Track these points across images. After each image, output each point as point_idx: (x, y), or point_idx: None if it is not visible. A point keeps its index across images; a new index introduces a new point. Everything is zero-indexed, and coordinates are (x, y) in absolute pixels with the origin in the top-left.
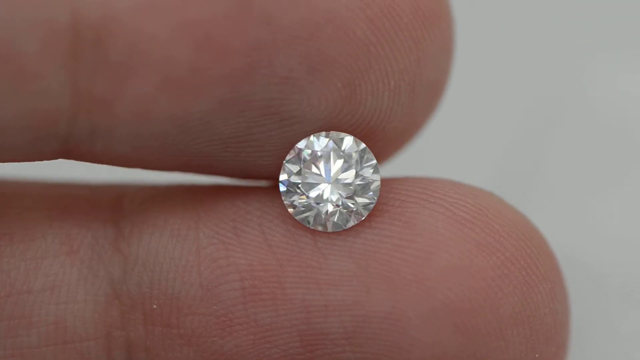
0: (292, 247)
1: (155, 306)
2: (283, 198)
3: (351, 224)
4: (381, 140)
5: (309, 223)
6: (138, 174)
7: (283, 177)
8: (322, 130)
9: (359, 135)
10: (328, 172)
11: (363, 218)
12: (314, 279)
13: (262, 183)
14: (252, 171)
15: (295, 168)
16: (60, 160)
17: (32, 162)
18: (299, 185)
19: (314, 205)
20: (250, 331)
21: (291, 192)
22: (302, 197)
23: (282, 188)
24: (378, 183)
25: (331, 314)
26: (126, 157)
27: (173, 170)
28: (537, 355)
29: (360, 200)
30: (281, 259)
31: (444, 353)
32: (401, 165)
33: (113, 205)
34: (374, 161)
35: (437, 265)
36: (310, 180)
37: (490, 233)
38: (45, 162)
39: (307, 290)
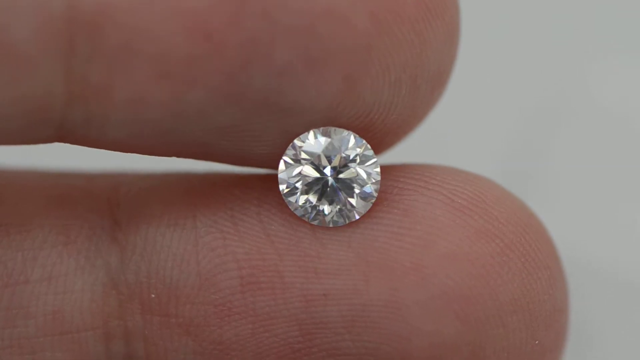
0: (291, 236)
1: (153, 295)
2: (282, 196)
3: (351, 219)
4: (380, 133)
5: (308, 220)
6: (134, 163)
7: (281, 174)
8: (320, 122)
9: (357, 128)
10: (327, 169)
11: (363, 214)
12: (312, 267)
13: (259, 171)
14: (249, 160)
15: (294, 166)
16: (56, 149)
17: (29, 153)
18: (298, 184)
19: (313, 202)
20: (248, 320)
21: (290, 189)
22: (301, 196)
23: (281, 186)
24: (378, 180)
25: (330, 302)
26: (121, 143)
27: (169, 156)
28: (536, 342)
29: (360, 197)
30: (279, 248)
31: (443, 341)
32: (403, 157)
33: (110, 195)
34: (374, 158)
35: (435, 253)
36: (309, 179)
37: (489, 220)
38: (42, 152)
39: (306, 279)
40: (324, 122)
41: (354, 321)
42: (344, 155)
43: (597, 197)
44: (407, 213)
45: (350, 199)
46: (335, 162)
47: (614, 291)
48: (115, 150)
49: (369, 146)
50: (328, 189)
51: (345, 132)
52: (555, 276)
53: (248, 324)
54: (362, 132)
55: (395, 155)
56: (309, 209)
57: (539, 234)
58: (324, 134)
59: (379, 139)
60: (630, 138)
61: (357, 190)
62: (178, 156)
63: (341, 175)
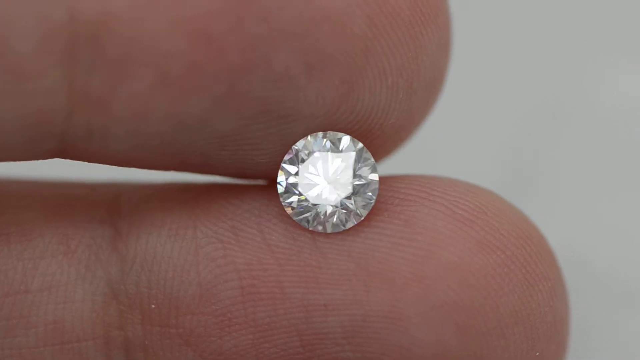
0: (291, 246)
1: (153, 306)
2: (281, 199)
3: (350, 224)
4: (379, 138)
5: (307, 224)
6: (135, 173)
7: (281, 178)
8: (319, 129)
9: (356, 133)
10: (326, 173)
11: (362, 218)
12: (313, 278)
13: (259, 182)
14: (249, 170)
15: (292, 169)
16: (57, 159)
17: (30, 163)
18: (297, 187)
19: (312, 206)
20: (249, 331)
21: (289, 193)
22: (300, 198)
23: (280, 189)
24: (376, 182)
25: (330, 313)
26: (123, 156)
27: (170, 170)
28: (537, 354)
29: (358, 200)
30: (280, 258)
31: (444, 352)
32: (402, 164)
33: (110, 205)
34: (372, 161)
35: (437, 264)
36: (308, 181)
37: (490, 231)
38: (42, 162)
39: (306, 289)
40: (323, 128)
41: (355, 332)
42: (341, 157)
43: (596, 201)
44: (408, 224)
45: (348, 202)
46: (334, 165)
47: (614, 295)
48: (116, 164)
49: (366, 149)
50: (327, 191)
51: (343, 135)
52: (556, 288)
53: (248, 334)
54: (361, 137)
55: (396, 164)
56: (308, 213)
57: (539, 246)
58: (322, 138)
59: (377, 145)
60: (629, 141)
61: (355, 194)
62: (178, 169)
63: (339, 178)
